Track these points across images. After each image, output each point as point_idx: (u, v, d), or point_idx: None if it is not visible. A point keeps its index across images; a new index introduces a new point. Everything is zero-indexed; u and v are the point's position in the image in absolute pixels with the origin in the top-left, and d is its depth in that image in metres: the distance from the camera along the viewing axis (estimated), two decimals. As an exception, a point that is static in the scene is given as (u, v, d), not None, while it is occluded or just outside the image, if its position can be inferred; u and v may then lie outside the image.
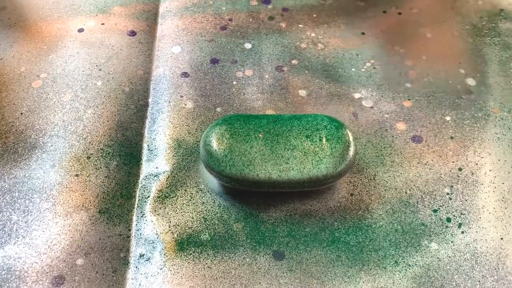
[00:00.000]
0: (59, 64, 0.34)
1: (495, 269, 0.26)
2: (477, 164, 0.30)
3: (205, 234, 0.27)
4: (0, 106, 0.32)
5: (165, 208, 0.28)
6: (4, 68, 0.34)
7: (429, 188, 0.29)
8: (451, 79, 0.34)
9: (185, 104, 0.32)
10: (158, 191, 0.29)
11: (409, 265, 0.26)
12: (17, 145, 0.30)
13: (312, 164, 0.26)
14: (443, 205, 0.28)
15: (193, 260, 0.26)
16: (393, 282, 0.26)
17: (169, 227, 0.27)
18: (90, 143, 0.30)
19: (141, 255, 0.27)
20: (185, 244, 0.27)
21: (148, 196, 0.29)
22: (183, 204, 0.28)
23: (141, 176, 0.29)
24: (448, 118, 0.32)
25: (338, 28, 0.37)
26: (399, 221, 0.28)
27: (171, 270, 0.26)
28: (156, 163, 0.30)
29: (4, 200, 0.28)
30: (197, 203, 0.28)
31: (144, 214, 0.28)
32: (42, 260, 0.26)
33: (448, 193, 0.29)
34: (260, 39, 0.36)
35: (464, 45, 0.35)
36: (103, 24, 0.37)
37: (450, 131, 0.31)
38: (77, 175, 0.29)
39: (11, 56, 0.34)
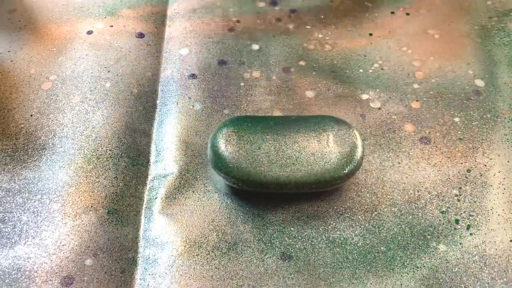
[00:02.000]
0: (68, 66, 0.34)
1: (504, 271, 0.26)
2: (486, 165, 0.29)
3: (212, 235, 0.27)
4: (10, 108, 0.32)
5: (173, 209, 0.28)
6: (14, 70, 0.34)
7: (437, 189, 0.29)
8: (459, 80, 0.33)
9: (193, 106, 0.32)
10: (166, 192, 0.29)
11: (417, 267, 0.26)
12: (27, 146, 0.30)
13: (320, 165, 0.26)
14: (452, 206, 0.28)
15: (201, 261, 0.26)
16: (401, 284, 0.26)
17: (177, 227, 0.27)
18: (98, 144, 0.30)
19: (149, 256, 0.27)
20: (193, 245, 0.27)
21: (156, 197, 0.29)
22: (191, 205, 0.28)
23: (149, 177, 0.30)
24: (456, 119, 0.31)
25: (345, 29, 0.37)
26: (407, 223, 0.28)
27: (179, 271, 0.26)
28: (164, 164, 0.30)
29: (15, 201, 0.28)
30: (204, 204, 0.28)
31: (152, 215, 0.28)
32: (51, 260, 0.26)
33: (456, 195, 0.28)
34: (267, 41, 0.36)
35: (473, 46, 0.35)
36: (111, 26, 0.37)
37: (459, 132, 0.31)
38: (86, 176, 0.29)
39: (21, 58, 0.35)
